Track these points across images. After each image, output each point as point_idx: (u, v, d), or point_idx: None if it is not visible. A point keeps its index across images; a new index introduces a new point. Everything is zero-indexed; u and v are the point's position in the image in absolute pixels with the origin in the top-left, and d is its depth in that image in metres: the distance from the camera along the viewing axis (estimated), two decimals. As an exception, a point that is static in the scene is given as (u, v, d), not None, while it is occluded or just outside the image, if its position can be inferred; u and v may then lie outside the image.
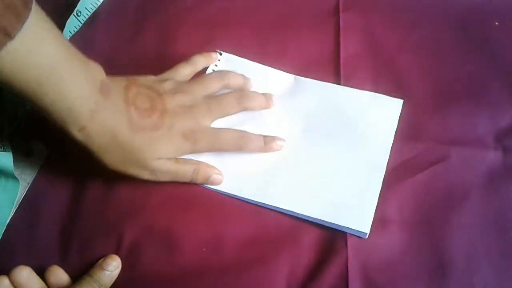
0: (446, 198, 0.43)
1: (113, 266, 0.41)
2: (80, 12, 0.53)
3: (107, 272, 0.41)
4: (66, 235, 0.44)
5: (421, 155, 0.45)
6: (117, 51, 0.49)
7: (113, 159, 0.40)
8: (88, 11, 0.54)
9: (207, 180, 0.44)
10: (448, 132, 0.46)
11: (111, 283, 0.41)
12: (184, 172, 0.43)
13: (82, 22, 0.53)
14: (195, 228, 0.43)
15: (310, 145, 0.46)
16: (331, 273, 0.40)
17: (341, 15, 0.51)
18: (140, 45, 0.50)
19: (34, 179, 0.46)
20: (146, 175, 0.42)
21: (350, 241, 0.41)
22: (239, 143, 0.44)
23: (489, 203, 0.43)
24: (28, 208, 0.45)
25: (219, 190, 0.44)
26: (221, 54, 0.49)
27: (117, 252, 0.42)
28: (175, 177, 0.43)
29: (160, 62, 0.49)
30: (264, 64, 0.49)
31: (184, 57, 0.49)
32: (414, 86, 0.47)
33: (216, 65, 0.48)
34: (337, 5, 0.52)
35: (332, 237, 0.42)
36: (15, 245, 0.44)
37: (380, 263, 0.41)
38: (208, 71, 0.48)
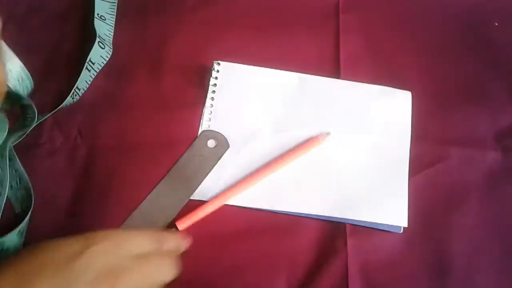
0: (446, 198, 0.43)
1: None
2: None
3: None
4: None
5: (421, 155, 0.45)
6: (117, 51, 0.49)
7: None
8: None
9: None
10: (448, 132, 0.46)
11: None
12: None
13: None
14: (195, 228, 0.43)
15: (330, 145, 0.45)
16: (331, 273, 0.40)
17: (341, 16, 0.51)
18: (139, 47, 0.50)
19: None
20: None
21: (350, 241, 0.41)
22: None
23: (489, 203, 0.43)
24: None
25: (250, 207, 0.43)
26: (219, 64, 0.48)
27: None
28: None
29: (159, 64, 0.49)
30: (264, 67, 0.49)
31: (183, 59, 0.49)
32: (414, 86, 0.47)
33: (216, 78, 0.48)
34: (337, 6, 0.52)
35: (332, 237, 0.42)
36: None
37: (380, 263, 0.41)
38: (211, 82, 0.47)
